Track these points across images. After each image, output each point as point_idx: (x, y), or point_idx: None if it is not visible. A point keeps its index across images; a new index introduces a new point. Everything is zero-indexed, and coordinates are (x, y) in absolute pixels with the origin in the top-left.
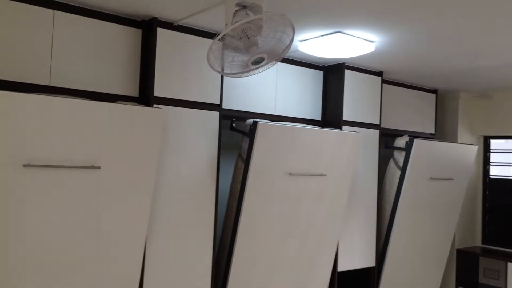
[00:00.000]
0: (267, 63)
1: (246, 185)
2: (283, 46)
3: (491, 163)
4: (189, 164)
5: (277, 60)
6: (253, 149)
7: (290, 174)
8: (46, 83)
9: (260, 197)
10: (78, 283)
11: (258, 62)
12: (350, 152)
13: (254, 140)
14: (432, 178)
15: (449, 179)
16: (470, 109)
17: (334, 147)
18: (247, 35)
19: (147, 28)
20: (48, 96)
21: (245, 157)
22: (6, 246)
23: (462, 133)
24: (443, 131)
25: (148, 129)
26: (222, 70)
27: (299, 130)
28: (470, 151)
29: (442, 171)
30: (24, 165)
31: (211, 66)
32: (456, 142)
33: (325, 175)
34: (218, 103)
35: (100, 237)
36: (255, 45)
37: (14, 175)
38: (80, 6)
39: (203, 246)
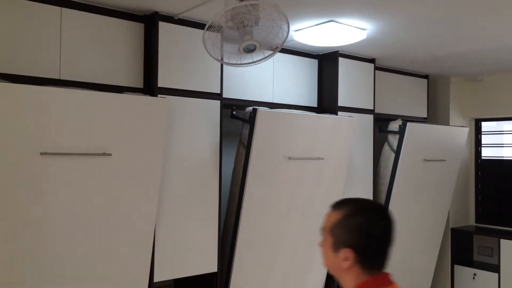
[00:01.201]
0: (264, 56)
1: (248, 169)
2: (278, 41)
3: (482, 145)
4: (193, 151)
5: (274, 51)
6: (253, 135)
7: (289, 158)
8: (56, 76)
9: (261, 180)
10: (90, 266)
11: (250, 50)
12: (346, 136)
13: (254, 127)
14: (425, 160)
15: (442, 160)
16: (461, 93)
17: (330, 131)
18: (243, 24)
19: (149, 22)
20: (61, 88)
21: (246, 143)
22: (26, 229)
23: (454, 117)
24: (435, 115)
25: (154, 117)
26: (222, 59)
27: (296, 116)
28: (461, 133)
29: (434, 153)
30: (41, 153)
31: (208, 52)
32: (448, 125)
33: (323, 159)
34: (219, 92)
35: (112, 220)
36: (249, 34)
37: (32, 163)
38: (85, 3)
39: (208, 230)
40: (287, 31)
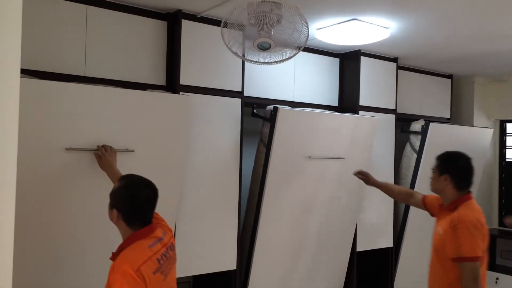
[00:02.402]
0: (283, 58)
1: (268, 168)
2: (298, 43)
3: (507, 147)
4: (214, 149)
5: (294, 54)
6: (274, 133)
7: (309, 157)
8: (81, 73)
9: (281, 179)
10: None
11: (265, 48)
12: (367, 136)
13: (275, 125)
14: None
15: None
16: (485, 94)
17: (351, 131)
18: (264, 22)
19: (172, 20)
20: (85, 85)
21: (266, 141)
22: (50, 224)
23: (478, 118)
24: (458, 115)
25: (176, 115)
26: (243, 55)
27: (317, 115)
28: (486, 134)
29: None
30: (66, 149)
31: (226, 45)
32: (472, 126)
33: (343, 158)
34: (240, 90)
35: None
36: (266, 32)
37: (57, 158)
38: (110, 1)
39: (228, 227)
40: (306, 36)
